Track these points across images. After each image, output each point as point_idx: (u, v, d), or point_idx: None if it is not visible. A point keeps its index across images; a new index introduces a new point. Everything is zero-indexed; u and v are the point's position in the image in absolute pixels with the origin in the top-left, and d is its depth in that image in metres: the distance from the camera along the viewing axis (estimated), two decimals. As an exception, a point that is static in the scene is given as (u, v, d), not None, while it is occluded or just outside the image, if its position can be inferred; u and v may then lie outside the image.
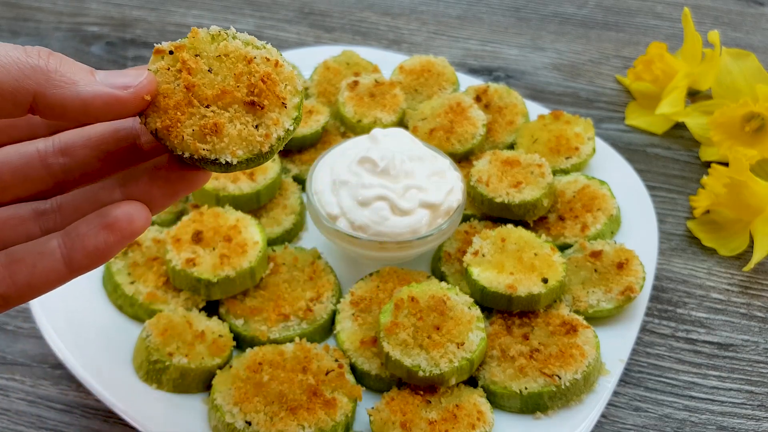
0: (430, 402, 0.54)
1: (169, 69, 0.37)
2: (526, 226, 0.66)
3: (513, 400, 0.55)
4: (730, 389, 0.62)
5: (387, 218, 0.60)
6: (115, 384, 0.55)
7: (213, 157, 0.37)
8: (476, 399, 0.54)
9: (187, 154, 0.37)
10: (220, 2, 1.04)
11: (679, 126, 0.85)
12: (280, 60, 0.39)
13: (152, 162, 0.39)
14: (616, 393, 0.61)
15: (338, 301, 0.61)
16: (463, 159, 0.73)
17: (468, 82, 0.83)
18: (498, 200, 0.66)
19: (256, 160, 0.38)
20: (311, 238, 0.69)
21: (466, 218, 0.69)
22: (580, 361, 0.55)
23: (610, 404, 0.61)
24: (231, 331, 0.58)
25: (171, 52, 0.37)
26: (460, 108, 0.74)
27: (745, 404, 0.61)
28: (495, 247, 0.62)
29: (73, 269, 0.36)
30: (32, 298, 0.37)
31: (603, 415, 0.60)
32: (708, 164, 0.79)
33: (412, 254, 0.63)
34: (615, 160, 0.75)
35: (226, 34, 0.39)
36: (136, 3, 1.03)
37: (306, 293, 0.60)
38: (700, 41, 0.82)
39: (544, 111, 0.79)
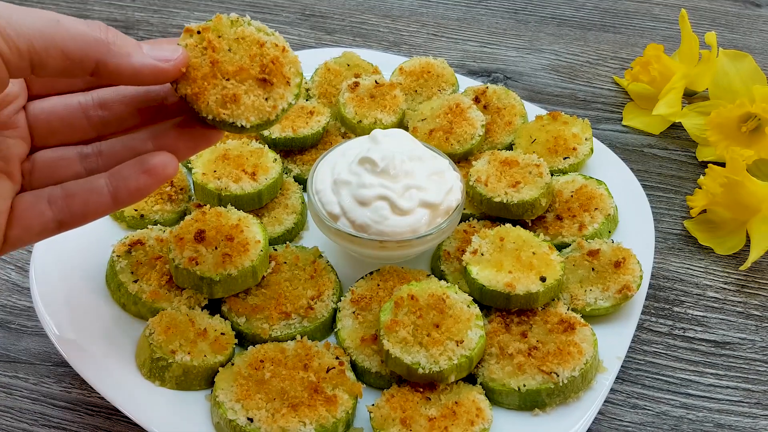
0: (430, 399, 0.54)
1: (196, 46, 0.45)
2: (524, 225, 0.66)
3: (511, 397, 0.56)
4: (727, 387, 0.63)
5: (387, 218, 0.60)
6: (119, 381, 0.56)
7: (231, 120, 0.45)
8: (475, 396, 0.55)
9: (210, 117, 0.45)
10: (221, 4, 1.05)
11: (676, 126, 0.86)
12: (286, 47, 0.48)
13: (175, 120, 0.47)
14: (613, 390, 0.62)
15: (339, 300, 0.62)
16: (462, 159, 0.74)
17: (467, 83, 0.84)
18: (496, 200, 0.66)
19: (264, 125, 0.47)
20: (312, 238, 0.69)
21: (465, 218, 0.69)
22: (578, 358, 0.56)
23: (607, 401, 0.61)
24: (233, 328, 0.59)
25: (198, 32, 0.46)
26: (459, 109, 0.75)
27: (742, 402, 0.62)
28: (494, 246, 0.62)
29: (117, 203, 0.45)
30: (82, 225, 0.46)
31: (600, 413, 0.60)
32: (705, 164, 0.80)
33: (412, 253, 0.64)
34: (612, 160, 0.76)
35: (243, 20, 0.47)
36: (139, 5, 1.03)
37: (307, 291, 0.61)
38: (697, 43, 0.83)
39: (542, 112, 0.80)
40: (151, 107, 0.48)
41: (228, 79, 0.45)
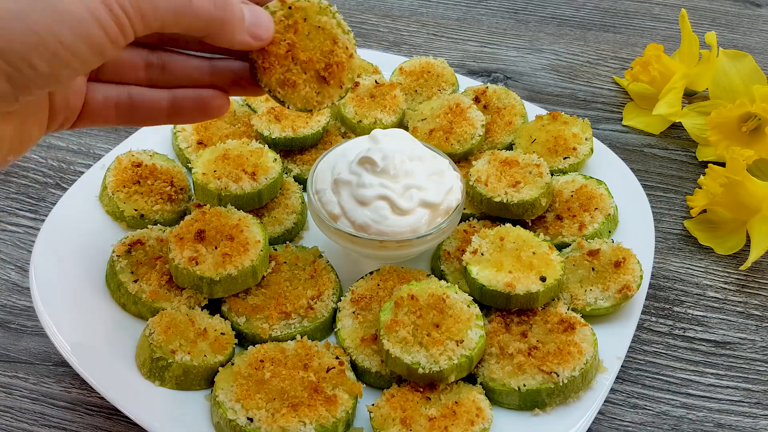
0: (430, 399, 0.54)
1: (281, 20, 0.49)
2: (524, 225, 0.66)
3: (511, 396, 0.56)
4: (727, 387, 0.63)
5: (387, 217, 0.60)
6: (119, 381, 0.56)
7: (281, 99, 0.50)
8: (475, 396, 0.55)
9: (265, 88, 0.50)
10: (221, 4, 1.05)
11: (676, 126, 0.86)
12: (354, 53, 0.51)
13: (234, 63, 0.52)
14: (613, 390, 0.62)
15: (339, 299, 0.62)
16: (462, 159, 0.74)
17: (467, 83, 0.84)
18: (497, 200, 0.66)
19: (303, 111, 0.51)
20: (312, 238, 0.69)
21: (465, 217, 0.69)
22: (578, 358, 0.56)
23: (607, 401, 0.61)
24: (233, 328, 0.59)
25: (290, 8, 0.49)
26: (459, 109, 0.75)
27: (743, 402, 0.62)
28: (494, 246, 0.62)
29: (172, 122, 0.52)
30: (138, 126, 0.56)
31: (600, 412, 0.60)
32: (705, 164, 0.80)
33: (412, 253, 0.64)
34: (612, 160, 0.76)
35: (330, 11, 0.50)
36: (138, 5, 1.03)
37: (307, 291, 0.61)
38: (697, 42, 0.83)
39: (542, 112, 0.80)
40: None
41: (296, 64, 0.49)
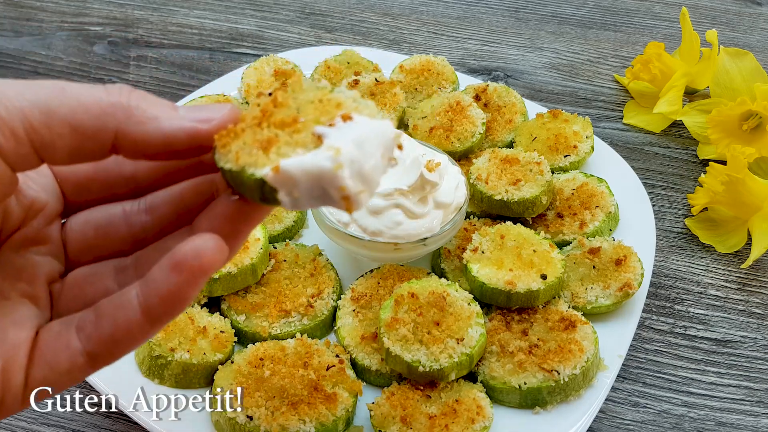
0: (430, 397, 0.54)
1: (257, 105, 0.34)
2: (525, 223, 0.66)
3: (512, 394, 0.55)
4: (729, 385, 0.63)
5: (401, 222, 0.59)
6: (118, 379, 0.55)
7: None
8: (476, 394, 0.54)
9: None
10: (222, 3, 1.05)
11: (677, 124, 0.86)
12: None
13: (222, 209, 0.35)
14: (614, 389, 0.62)
15: (339, 298, 0.62)
16: (462, 157, 0.73)
17: (467, 81, 0.83)
18: (497, 198, 0.66)
19: None
20: (312, 236, 0.69)
21: (465, 216, 0.69)
22: (579, 356, 0.56)
23: (608, 400, 0.61)
24: (232, 326, 0.59)
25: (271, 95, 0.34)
26: (460, 107, 0.75)
27: (744, 400, 0.62)
28: (494, 244, 0.62)
29: (151, 319, 0.32)
30: (119, 356, 0.34)
31: (601, 411, 0.60)
32: (706, 162, 0.80)
33: (425, 252, 0.63)
34: (613, 159, 0.75)
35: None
36: (139, 3, 1.03)
37: (307, 289, 0.61)
38: (698, 41, 0.83)
39: (543, 110, 0.80)
40: (199, 203, 0.37)
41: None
